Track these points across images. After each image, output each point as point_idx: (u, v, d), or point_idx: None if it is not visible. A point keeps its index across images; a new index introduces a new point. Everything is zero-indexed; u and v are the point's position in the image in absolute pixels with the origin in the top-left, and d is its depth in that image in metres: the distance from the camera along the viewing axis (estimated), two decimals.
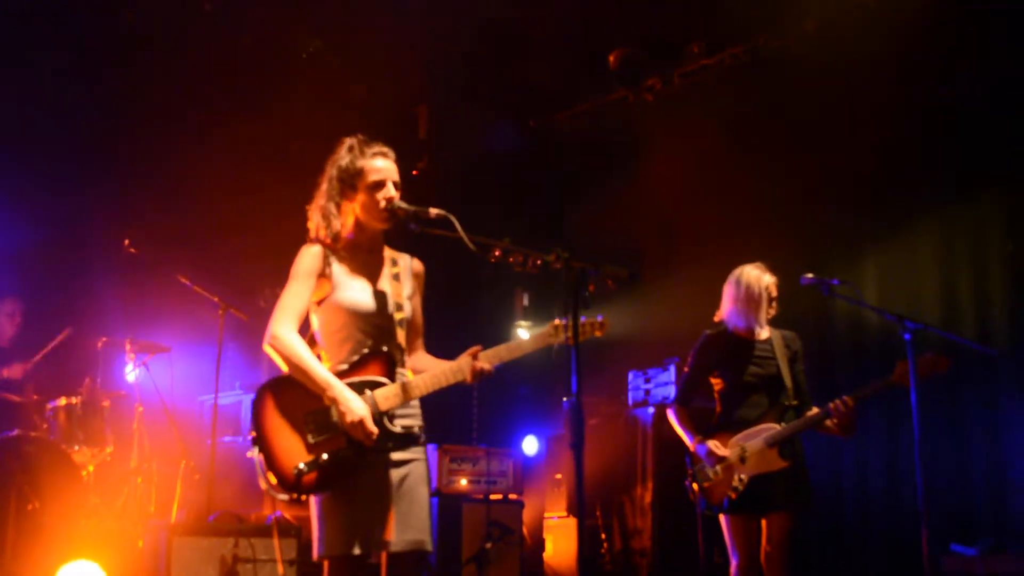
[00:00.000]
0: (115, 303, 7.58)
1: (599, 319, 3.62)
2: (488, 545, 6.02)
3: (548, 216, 8.64)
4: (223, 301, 6.87)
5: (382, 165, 3.64)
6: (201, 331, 7.66)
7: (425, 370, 3.66)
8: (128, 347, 6.95)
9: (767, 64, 7.64)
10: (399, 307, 3.64)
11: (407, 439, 3.56)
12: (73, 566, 5.30)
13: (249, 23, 7.69)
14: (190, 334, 7.79)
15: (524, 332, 8.04)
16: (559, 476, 7.25)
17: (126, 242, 7.00)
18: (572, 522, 6.93)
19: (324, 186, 3.67)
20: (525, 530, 6.56)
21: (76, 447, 6.58)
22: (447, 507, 6.16)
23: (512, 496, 6.49)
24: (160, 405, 7.02)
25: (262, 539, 5.66)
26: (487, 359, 3.56)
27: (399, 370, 3.62)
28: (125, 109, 7.88)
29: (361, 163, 3.63)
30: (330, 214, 3.63)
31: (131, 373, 6.96)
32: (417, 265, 3.83)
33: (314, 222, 3.67)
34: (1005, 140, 6.55)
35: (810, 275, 4.87)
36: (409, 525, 3.48)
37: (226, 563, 5.52)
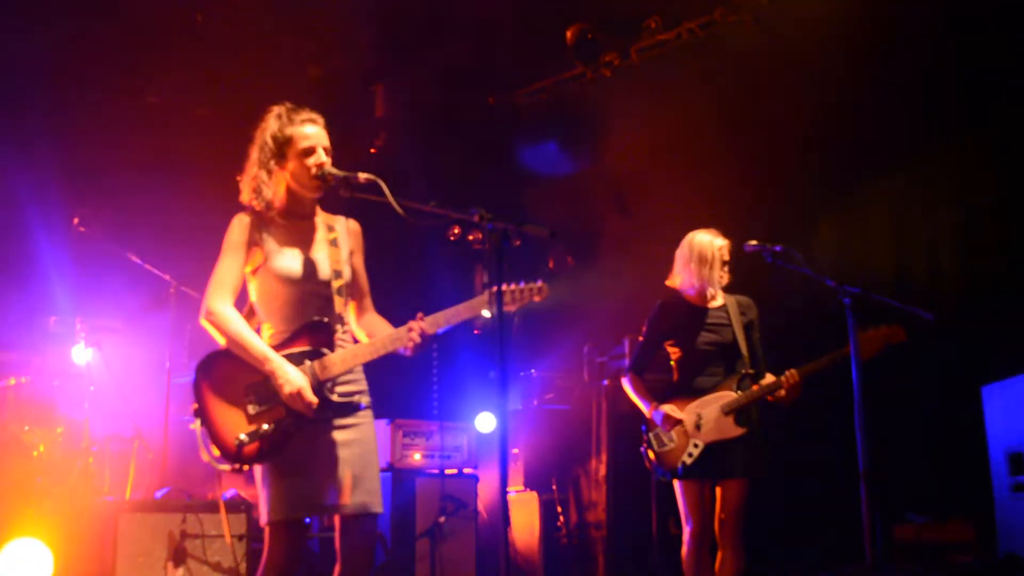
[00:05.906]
0: (65, 282, 7.45)
1: (537, 283, 3.55)
2: (442, 519, 5.99)
3: (506, 193, 8.56)
4: (174, 279, 6.79)
5: (312, 131, 3.61)
6: (154, 310, 7.54)
7: (375, 333, 3.66)
8: (78, 326, 6.84)
9: (724, 38, 7.62)
10: (337, 274, 3.61)
11: (348, 407, 3.54)
12: (16, 543, 5.21)
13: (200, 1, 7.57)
14: (142, 313, 7.68)
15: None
16: (515, 451, 7.23)
17: (75, 220, 6.89)
18: (530, 496, 6.91)
19: (254, 155, 3.64)
20: (481, 504, 6.52)
21: (25, 427, 6.45)
22: (401, 482, 6.12)
23: (467, 470, 6.45)
24: (112, 385, 6.92)
25: (211, 515, 5.58)
26: (430, 324, 3.53)
27: (338, 338, 3.58)
28: (75, 86, 7.74)
29: (290, 131, 3.60)
30: (262, 183, 3.60)
31: (82, 353, 6.83)
32: (353, 225, 3.80)
33: (246, 192, 3.64)
34: (957, 108, 6.59)
35: (753, 242, 4.87)
36: (357, 488, 3.48)
37: (174, 539, 5.45)
